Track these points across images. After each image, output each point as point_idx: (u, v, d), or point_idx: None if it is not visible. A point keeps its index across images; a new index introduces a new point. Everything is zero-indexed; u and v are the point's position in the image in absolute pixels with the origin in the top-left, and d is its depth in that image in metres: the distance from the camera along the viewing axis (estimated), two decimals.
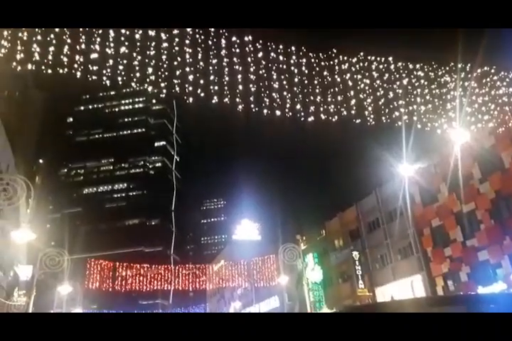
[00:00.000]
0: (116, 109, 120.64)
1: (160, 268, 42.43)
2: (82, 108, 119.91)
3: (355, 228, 31.28)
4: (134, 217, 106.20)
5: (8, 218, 28.14)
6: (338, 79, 8.87)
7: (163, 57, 7.47)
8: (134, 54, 7.23)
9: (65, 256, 20.84)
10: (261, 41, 8.07)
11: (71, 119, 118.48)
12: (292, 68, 8.45)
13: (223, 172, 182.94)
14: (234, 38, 7.90)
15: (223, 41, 7.86)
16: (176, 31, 7.38)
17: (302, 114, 8.58)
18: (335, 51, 8.77)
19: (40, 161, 54.27)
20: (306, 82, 8.55)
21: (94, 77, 6.91)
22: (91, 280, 36.76)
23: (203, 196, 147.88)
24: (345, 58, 8.87)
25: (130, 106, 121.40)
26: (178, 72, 7.58)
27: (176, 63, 7.54)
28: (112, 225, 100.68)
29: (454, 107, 9.97)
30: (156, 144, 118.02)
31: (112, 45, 6.98)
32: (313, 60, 8.56)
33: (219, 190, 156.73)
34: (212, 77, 7.89)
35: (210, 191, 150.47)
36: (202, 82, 7.80)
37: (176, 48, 7.55)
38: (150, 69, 7.40)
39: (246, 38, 7.97)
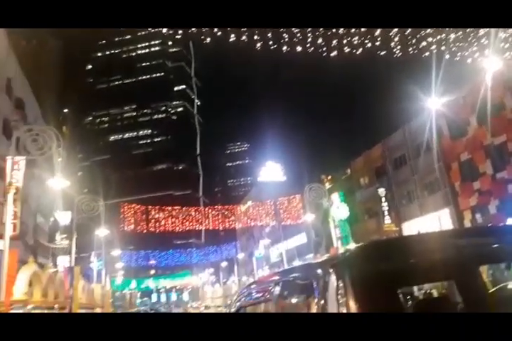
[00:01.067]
0: (133, 54, 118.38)
1: (190, 209, 44.28)
2: (99, 54, 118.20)
3: (381, 165, 31.13)
4: (161, 163, 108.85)
5: (43, 167, 29.33)
6: None
7: None
8: None
9: (99, 202, 21.91)
10: None
11: (90, 67, 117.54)
12: None
13: (245, 114, 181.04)
14: None
15: None
16: None
17: (324, 48, 8.13)
18: None
19: (65, 111, 55.00)
20: None
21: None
22: (126, 223, 38.95)
23: (226, 139, 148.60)
24: None
25: (146, 50, 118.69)
26: None
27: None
28: (140, 171, 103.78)
29: (487, 33, 9.21)
30: (175, 88, 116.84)
31: None
32: None
33: (242, 133, 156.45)
34: None
35: (233, 134, 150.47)
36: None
37: None
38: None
39: None
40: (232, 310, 3.65)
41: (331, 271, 2.03)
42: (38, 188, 31.27)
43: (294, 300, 2.57)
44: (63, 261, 33.07)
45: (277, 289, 2.64)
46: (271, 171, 62.44)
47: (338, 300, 1.89)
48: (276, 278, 2.91)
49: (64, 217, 35.72)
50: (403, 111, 28.51)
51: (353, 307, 1.84)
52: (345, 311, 1.85)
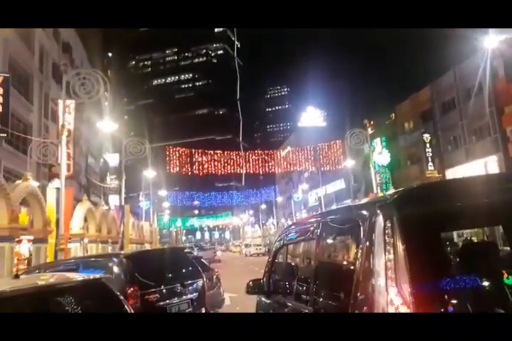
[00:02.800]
0: None
1: (231, 154, 45.15)
2: None
3: (428, 109, 29.82)
4: (202, 107, 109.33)
5: (91, 111, 30.46)
6: None
7: None
8: None
9: (145, 144, 22.79)
10: None
11: None
12: None
13: (286, 58, 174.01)
14: None
15: None
16: None
17: None
18: None
19: (110, 55, 55.29)
20: None
21: None
22: (171, 166, 40.58)
23: (266, 84, 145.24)
24: None
25: None
26: None
27: None
28: (183, 115, 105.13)
29: None
30: (215, 30, 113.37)
31: None
32: None
33: (282, 77, 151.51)
34: None
35: (273, 78, 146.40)
36: None
37: None
38: None
39: None
40: (274, 249, 4.01)
41: (378, 211, 2.01)
42: (87, 131, 32.81)
43: (336, 240, 2.61)
44: (114, 200, 35.50)
45: (320, 229, 2.73)
46: (311, 116, 61.40)
47: (385, 240, 1.90)
48: (319, 219, 3.00)
49: (113, 159, 37.66)
50: (454, 52, 26.48)
51: (400, 248, 1.84)
52: (391, 251, 1.86)
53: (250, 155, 45.36)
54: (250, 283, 4.04)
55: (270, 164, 44.71)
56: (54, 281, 3.38)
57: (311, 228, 2.93)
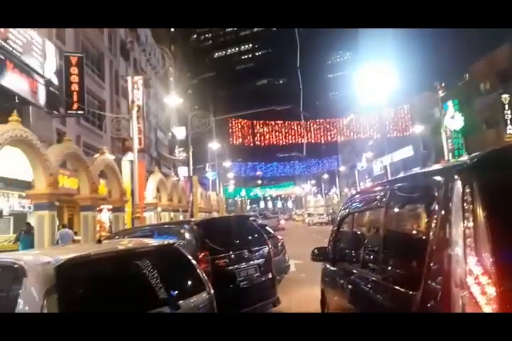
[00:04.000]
0: None
1: (292, 124, 44.72)
2: None
3: (507, 68, 27.11)
4: (262, 77, 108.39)
5: (158, 86, 31.55)
6: None
7: None
8: None
9: (209, 117, 23.33)
10: None
11: None
12: None
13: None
14: None
15: None
16: None
17: None
18: None
19: (172, 30, 56.03)
20: None
21: None
22: (234, 137, 41.25)
23: (327, 50, 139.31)
24: None
25: None
26: None
27: None
28: (244, 87, 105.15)
29: None
30: None
31: None
32: None
33: (344, 42, 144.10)
34: None
35: (334, 44, 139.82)
36: None
37: None
38: None
39: None
40: (338, 218, 4.04)
41: (456, 176, 1.90)
42: (155, 106, 34.15)
43: (406, 208, 2.53)
44: (183, 171, 37.16)
45: (388, 197, 2.67)
46: (375, 81, 58.27)
47: (464, 207, 1.80)
48: (387, 186, 2.94)
49: (180, 132, 39.06)
50: None
51: (481, 215, 1.74)
52: (471, 218, 1.76)
53: (312, 124, 44.63)
54: (315, 250, 4.14)
55: (332, 133, 43.75)
56: (133, 246, 3.69)
57: (379, 196, 2.89)
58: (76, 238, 12.08)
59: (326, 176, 73.45)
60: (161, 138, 37.52)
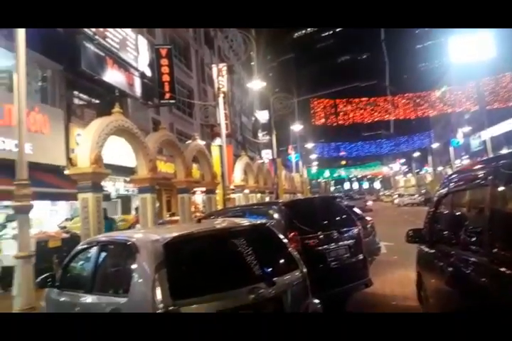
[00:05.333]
0: None
1: (378, 100, 42.78)
2: None
3: None
4: (344, 54, 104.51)
5: (241, 72, 32.19)
6: None
7: None
8: None
9: (291, 99, 23.29)
10: None
11: None
12: None
13: None
14: None
15: None
16: None
17: None
18: None
19: None
20: None
21: None
22: (316, 118, 40.76)
23: None
24: None
25: None
26: None
27: None
28: (325, 65, 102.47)
29: None
30: None
31: None
32: None
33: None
34: None
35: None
36: None
37: None
38: None
39: None
40: (435, 198, 3.88)
41: None
42: (239, 91, 34.94)
43: None
44: (267, 154, 37.82)
45: (494, 175, 2.55)
46: (472, 48, 52.88)
47: None
48: (492, 164, 2.79)
49: (263, 116, 39.64)
50: None
51: None
52: None
53: (399, 99, 42.26)
54: (410, 232, 4.05)
55: (423, 107, 41.07)
56: (229, 225, 3.93)
57: (482, 174, 2.76)
58: (175, 218, 13.09)
59: (416, 154, 69.35)
60: (245, 122, 38.41)
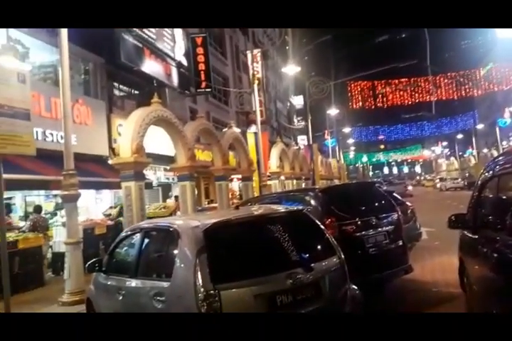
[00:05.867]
0: None
1: (419, 80, 41.18)
2: None
3: None
4: (381, 34, 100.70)
5: (275, 57, 31.84)
6: None
7: None
8: None
9: (327, 83, 22.84)
10: None
11: None
12: None
13: None
14: None
15: None
16: None
17: None
18: None
19: None
20: None
21: None
22: (353, 101, 39.82)
23: None
24: None
25: None
26: None
27: None
28: (362, 46, 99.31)
29: None
30: None
31: None
32: None
33: None
34: None
35: None
36: None
37: None
38: None
39: None
40: (480, 182, 3.74)
41: None
42: (274, 77, 34.64)
43: None
44: (302, 140, 37.53)
45: None
46: None
47: None
48: None
49: (298, 101, 39.21)
50: None
51: None
52: None
53: (441, 79, 40.49)
54: (453, 217, 3.95)
55: (467, 86, 39.15)
56: (266, 211, 4.00)
57: None
58: (213, 205, 13.38)
59: (459, 136, 66.47)
60: (280, 108, 38.15)
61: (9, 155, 5.84)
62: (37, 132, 9.23)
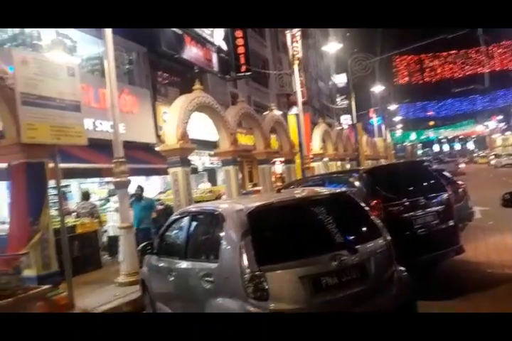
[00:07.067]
0: None
1: (469, 52, 38.71)
2: None
3: None
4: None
5: (315, 35, 31.05)
6: None
7: None
8: None
9: (370, 59, 22.02)
10: None
11: None
12: None
13: None
14: None
15: None
16: None
17: None
18: None
19: None
20: None
21: None
22: (399, 76, 38.20)
23: None
24: None
25: None
26: None
27: None
28: None
29: None
30: None
31: None
32: None
33: None
34: None
35: None
36: None
37: None
38: None
39: None
40: None
41: None
42: (314, 56, 33.86)
43: None
44: (346, 120, 36.67)
45: None
46: None
47: None
48: None
49: (340, 79, 38.17)
50: None
51: None
52: None
53: (495, 48, 37.81)
54: (507, 195, 3.78)
55: None
56: (309, 194, 4.01)
57: None
58: (257, 188, 13.52)
59: None
60: (321, 87, 37.35)
61: (63, 146, 6.18)
62: (88, 122, 9.66)
